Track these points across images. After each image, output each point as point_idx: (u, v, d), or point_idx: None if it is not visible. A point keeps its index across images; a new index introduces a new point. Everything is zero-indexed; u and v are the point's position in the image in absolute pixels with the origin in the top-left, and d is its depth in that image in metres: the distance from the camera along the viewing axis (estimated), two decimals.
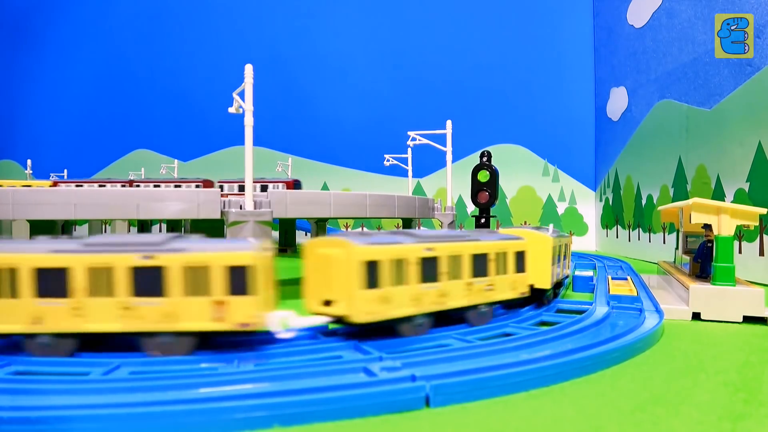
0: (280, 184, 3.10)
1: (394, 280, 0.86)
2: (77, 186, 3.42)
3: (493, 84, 3.80)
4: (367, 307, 0.82)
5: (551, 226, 1.32)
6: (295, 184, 3.06)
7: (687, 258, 1.44)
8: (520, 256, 1.08)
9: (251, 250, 0.79)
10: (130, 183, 3.49)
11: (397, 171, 3.26)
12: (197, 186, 3.15)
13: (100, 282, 0.76)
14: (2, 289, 0.74)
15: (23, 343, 0.76)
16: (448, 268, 0.93)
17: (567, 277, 1.42)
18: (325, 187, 4.09)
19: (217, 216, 1.27)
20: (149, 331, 0.77)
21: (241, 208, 1.27)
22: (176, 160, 4.22)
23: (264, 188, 2.98)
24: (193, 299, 0.77)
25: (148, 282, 0.77)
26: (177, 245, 0.79)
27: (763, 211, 1.16)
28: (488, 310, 1.03)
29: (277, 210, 1.34)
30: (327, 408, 0.58)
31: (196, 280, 0.78)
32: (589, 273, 1.61)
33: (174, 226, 3.82)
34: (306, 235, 3.83)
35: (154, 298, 0.77)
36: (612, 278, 1.58)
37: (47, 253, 0.75)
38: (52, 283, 0.75)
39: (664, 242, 2.58)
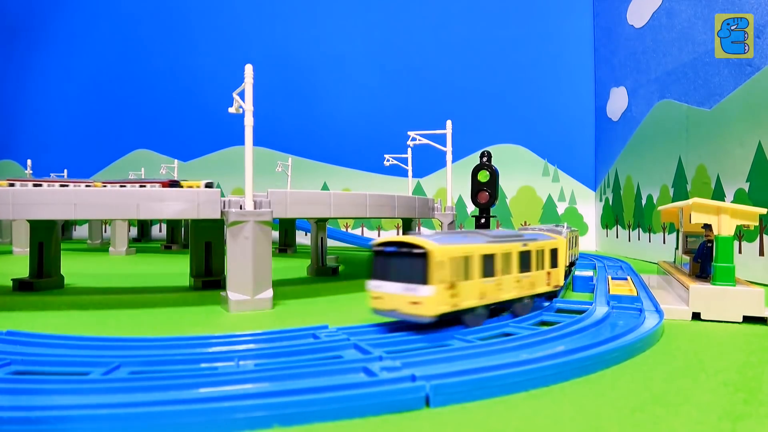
0: (157, 184, 3.15)
1: None
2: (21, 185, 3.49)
3: (493, 84, 3.80)
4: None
5: (565, 224, 1.65)
6: (171, 184, 3.11)
7: (687, 258, 1.45)
8: None
9: (557, 238, 1.22)
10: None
11: (397, 171, 3.26)
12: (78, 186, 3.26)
13: (507, 263, 1.03)
14: (464, 273, 0.92)
15: (463, 318, 0.95)
16: None
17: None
18: (325, 187, 4.09)
19: (217, 216, 1.27)
20: (519, 297, 1.08)
21: (241, 208, 1.27)
22: (176, 160, 4.22)
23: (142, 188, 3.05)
24: (540, 272, 1.14)
25: (524, 262, 1.08)
26: (530, 236, 1.14)
27: (763, 211, 1.16)
28: None
29: (277, 210, 1.34)
30: (327, 408, 0.57)
31: (541, 259, 1.14)
32: (589, 273, 1.61)
33: (174, 225, 3.82)
34: (306, 235, 3.83)
35: (527, 273, 1.09)
36: (612, 278, 1.58)
37: (486, 244, 0.98)
38: (488, 266, 0.98)
39: (664, 242, 2.58)
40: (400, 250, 0.90)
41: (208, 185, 3.31)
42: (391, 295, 0.90)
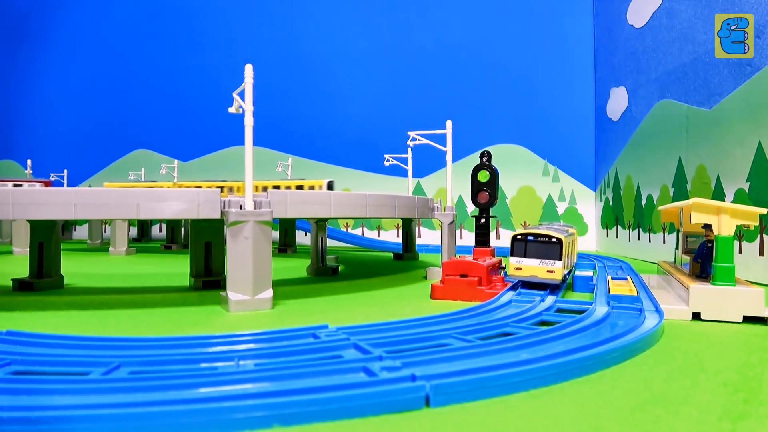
0: (37, 184, 3.16)
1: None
2: None
3: (493, 84, 3.80)
4: None
5: (562, 222, 1.98)
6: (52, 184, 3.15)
7: (687, 258, 1.45)
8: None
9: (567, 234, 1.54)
10: None
11: (397, 171, 3.26)
12: None
13: (569, 247, 1.48)
14: (565, 253, 1.41)
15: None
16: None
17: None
18: None
19: (217, 216, 1.27)
20: (570, 269, 1.58)
21: (241, 208, 1.27)
22: (176, 160, 4.22)
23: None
24: (573, 254, 1.65)
25: (570, 246, 1.53)
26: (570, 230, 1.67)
27: (763, 211, 1.16)
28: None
29: (277, 210, 1.34)
30: (327, 408, 0.57)
31: (573, 247, 1.61)
32: (589, 273, 1.61)
33: (174, 225, 3.83)
34: (306, 235, 3.83)
35: (570, 253, 1.54)
36: (612, 278, 1.58)
37: (565, 236, 1.42)
38: (567, 249, 1.45)
39: (664, 242, 2.58)
40: (538, 239, 1.38)
41: (330, 184, 3.30)
42: (530, 267, 1.37)
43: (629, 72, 3.00)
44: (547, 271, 1.36)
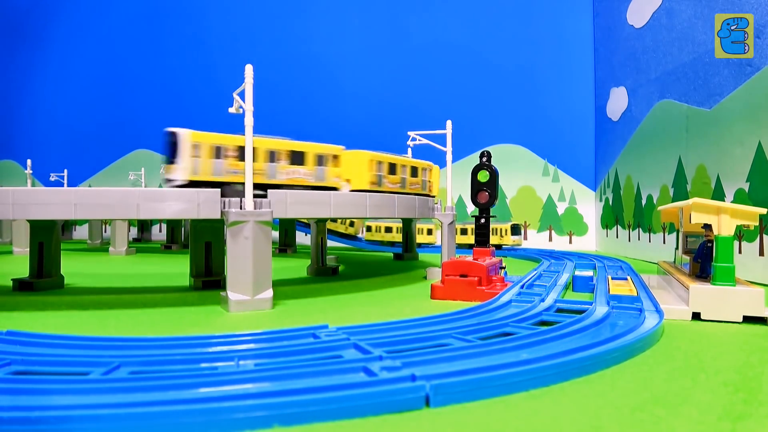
0: None
1: None
2: None
3: (493, 84, 3.80)
4: None
5: None
6: None
7: (687, 258, 1.44)
8: None
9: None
10: None
11: None
12: None
13: None
14: None
15: None
16: None
17: None
18: None
19: (217, 216, 1.27)
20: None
21: (241, 208, 1.27)
22: None
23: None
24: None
25: None
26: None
27: (763, 211, 1.16)
28: None
29: (277, 210, 1.35)
30: (327, 408, 0.57)
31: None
32: (589, 273, 1.61)
33: (174, 225, 3.82)
34: (306, 235, 3.83)
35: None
36: (612, 278, 1.58)
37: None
38: None
39: (664, 242, 2.58)
40: None
41: None
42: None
43: (629, 72, 3.00)
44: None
